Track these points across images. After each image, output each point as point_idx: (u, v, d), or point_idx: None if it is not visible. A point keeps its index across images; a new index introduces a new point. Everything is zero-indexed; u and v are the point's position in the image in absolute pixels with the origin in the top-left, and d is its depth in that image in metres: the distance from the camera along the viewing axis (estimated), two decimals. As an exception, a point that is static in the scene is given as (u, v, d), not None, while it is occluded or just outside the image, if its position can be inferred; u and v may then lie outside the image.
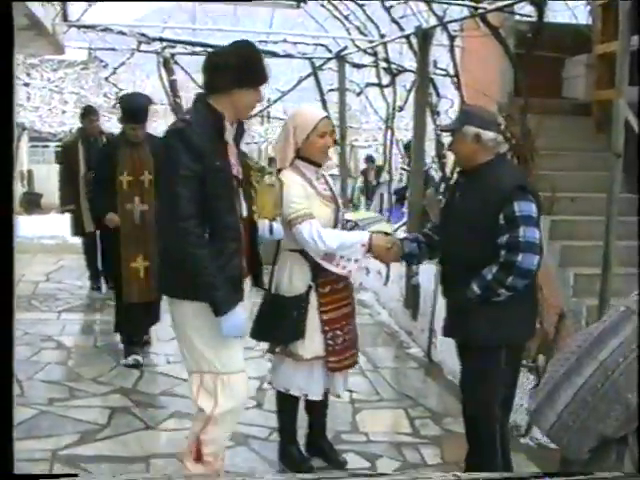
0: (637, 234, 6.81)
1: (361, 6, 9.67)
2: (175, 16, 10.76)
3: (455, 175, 4.75)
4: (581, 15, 10.23)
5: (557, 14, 9.97)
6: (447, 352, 6.60)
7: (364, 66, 11.54)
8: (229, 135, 3.66)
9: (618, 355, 1.59)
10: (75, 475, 2.37)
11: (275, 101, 14.48)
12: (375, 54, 10.46)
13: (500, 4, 6.68)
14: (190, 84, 13.99)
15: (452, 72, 9.14)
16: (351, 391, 5.69)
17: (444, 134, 8.62)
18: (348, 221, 4.47)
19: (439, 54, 9.84)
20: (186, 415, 5.16)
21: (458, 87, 8.65)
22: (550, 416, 1.69)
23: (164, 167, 3.63)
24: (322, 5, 9.82)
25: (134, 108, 6.29)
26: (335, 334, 4.31)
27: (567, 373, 1.68)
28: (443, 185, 9.50)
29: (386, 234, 4.32)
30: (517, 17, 8.13)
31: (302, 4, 8.66)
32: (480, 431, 4.08)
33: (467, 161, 4.04)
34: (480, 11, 6.87)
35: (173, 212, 3.43)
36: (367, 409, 5.65)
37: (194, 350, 3.65)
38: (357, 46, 10.71)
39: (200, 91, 3.80)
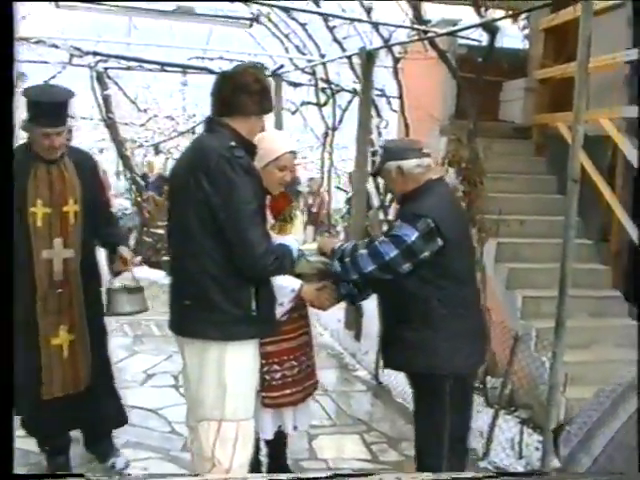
0: (583, 257, 6.98)
1: (303, 25, 9.66)
2: (109, 30, 10.58)
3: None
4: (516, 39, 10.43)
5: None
6: (394, 374, 6.60)
7: (301, 85, 11.53)
8: None
9: None
10: (77, 475, 2.26)
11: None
12: (314, 73, 10.48)
13: (451, 29, 6.73)
14: (122, 99, 13.83)
15: (389, 93, 9.22)
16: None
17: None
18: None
19: (377, 75, 9.90)
20: (137, 444, 5.02)
21: (401, 109, 8.70)
22: (584, 461, 1.66)
23: (227, 198, 3.29)
24: (263, 23, 9.77)
25: (49, 103, 4.15)
26: (272, 369, 4.09)
27: (602, 417, 1.64)
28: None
29: (324, 264, 4.11)
30: (460, 41, 8.24)
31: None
32: (425, 461, 4.00)
33: (400, 192, 4.07)
34: (430, 34, 6.90)
35: (245, 248, 3.28)
36: (323, 435, 5.57)
37: (223, 396, 3.41)
38: (295, 65, 10.71)
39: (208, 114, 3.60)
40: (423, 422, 4.00)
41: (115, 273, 4.57)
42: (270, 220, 3.99)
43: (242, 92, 3.42)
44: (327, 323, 8.87)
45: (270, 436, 4.23)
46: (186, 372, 3.58)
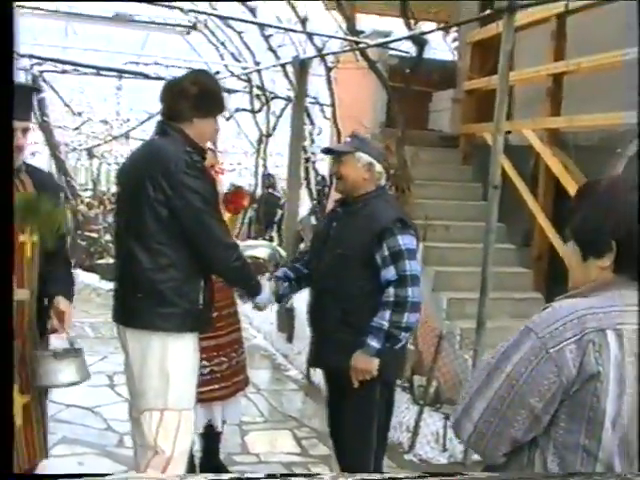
0: (507, 261, 7.28)
1: (239, 33, 9.83)
2: (46, 34, 10.58)
3: (330, 203, 4.67)
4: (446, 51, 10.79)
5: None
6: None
7: (237, 91, 11.68)
8: None
9: (520, 366, 1.78)
10: (77, 475, 2.34)
11: (142, 122, 14.44)
12: (249, 80, 10.65)
13: (382, 40, 6.98)
14: (56, 102, 13.79)
15: (322, 101, 9.44)
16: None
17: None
18: None
19: (310, 83, 10.12)
20: (74, 441, 5.12)
21: (333, 116, 8.92)
22: (468, 427, 1.87)
23: (190, 200, 3.39)
24: (200, 31, 9.91)
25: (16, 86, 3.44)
26: (201, 364, 3.97)
27: (480, 387, 1.86)
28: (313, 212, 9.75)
29: (256, 258, 4.25)
30: (390, 52, 8.51)
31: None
32: (355, 462, 3.98)
33: (353, 188, 3.93)
34: (361, 45, 7.14)
35: (212, 245, 3.47)
36: (255, 431, 5.74)
37: (166, 385, 3.47)
38: (230, 71, 10.86)
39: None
40: (355, 421, 3.93)
41: (49, 331, 3.52)
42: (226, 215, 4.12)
43: (181, 97, 3.53)
44: (260, 326, 9.04)
45: (200, 429, 4.35)
46: (129, 364, 3.63)
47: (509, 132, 7.78)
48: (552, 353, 1.73)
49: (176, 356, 3.49)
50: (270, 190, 13.31)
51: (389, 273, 3.71)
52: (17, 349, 3.32)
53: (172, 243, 3.43)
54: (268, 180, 15.23)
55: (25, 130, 3.37)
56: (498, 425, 1.81)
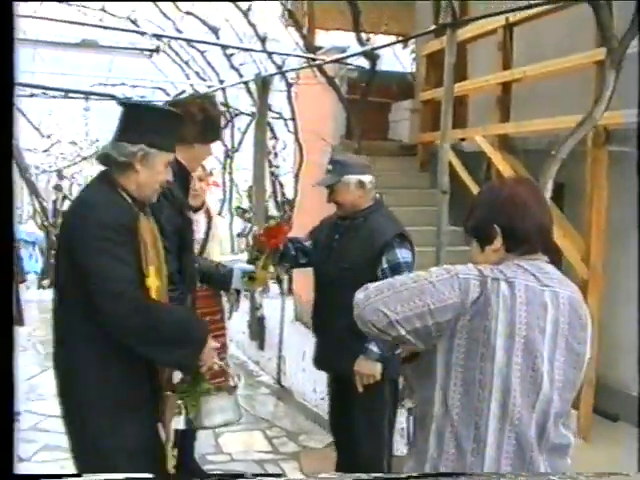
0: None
1: (202, 53, 10.13)
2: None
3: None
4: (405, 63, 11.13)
5: (382, 61, 10.77)
6: (295, 377, 7.15)
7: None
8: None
9: (430, 274, 2.10)
10: (77, 475, 2.53)
11: (111, 143, 14.64)
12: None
13: (337, 56, 7.31)
14: (24, 125, 13.99)
15: (286, 116, 9.76)
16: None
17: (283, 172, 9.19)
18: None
19: (274, 99, 10.43)
20: (56, 447, 5.37)
21: (295, 130, 9.24)
22: (360, 295, 2.18)
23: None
24: (164, 52, 10.20)
25: None
26: None
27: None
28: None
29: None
30: (348, 66, 8.84)
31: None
32: (371, 461, 4.18)
33: (352, 208, 4.14)
34: (318, 62, 7.47)
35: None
36: (228, 432, 5.99)
37: None
38: (196, 90, 11.14)
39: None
40: (368, 422, 4.15)
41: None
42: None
43: (188, 122, 3.47)
44: (232, 335, 9.28)
45: (182, 425, 4.60)
46: None
47: (463, 139, 8.14)
48: (460, 277, 2.07)
49: None
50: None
51: None
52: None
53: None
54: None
55: None
56: (387, 295, 2.09)
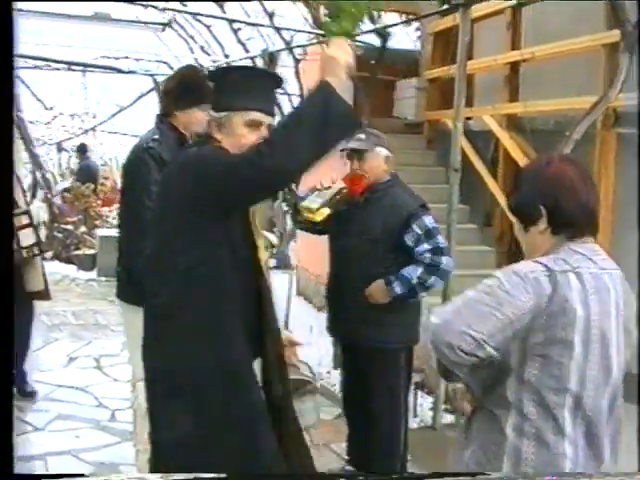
0: (470, 240, 7.68)
1: (208, 27, 10.11)
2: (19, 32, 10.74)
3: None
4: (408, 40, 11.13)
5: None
6: (300, 350, 7.17)
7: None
8: None
9: (499, 281, 2.03)
10: (77, 475, 2.51)
11: (113, 115, 14.64)
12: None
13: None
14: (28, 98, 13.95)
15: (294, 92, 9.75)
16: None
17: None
18: None
19: (281, 74, 10.40)
20: (69, 417, 5.45)
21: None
22: (435, 320, 2.07)
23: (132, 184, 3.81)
24: (170, 26, 10.17)
25: None
26: None
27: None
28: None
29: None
30: (357, 43, 8.84)
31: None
32: (388, 427, 4.31)
33: (375, 179, 4.26)
34: (325, 39, 7.46)
35: None
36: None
37: None
38: (200, 64, 11.11)
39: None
40: (386, 388, 4.26)
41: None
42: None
43: (165, 93, 3.97)
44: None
45: None
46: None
47: (470, 118, 8.17)
48: (530, 277, 2.02)
49: None
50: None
51: (423, 247, 4.08)
52: None
53: None
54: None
55: None
56: (467, 316, 2.00)
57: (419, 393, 6.01)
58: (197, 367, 2.55)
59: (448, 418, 5.72)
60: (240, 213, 2.70)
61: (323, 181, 4.43)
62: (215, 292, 2.58)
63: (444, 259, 4.10)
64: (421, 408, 5.87)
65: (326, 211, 4.34)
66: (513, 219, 2.29)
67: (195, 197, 2.50)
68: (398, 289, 4.07)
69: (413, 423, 5.73)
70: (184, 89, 3.87)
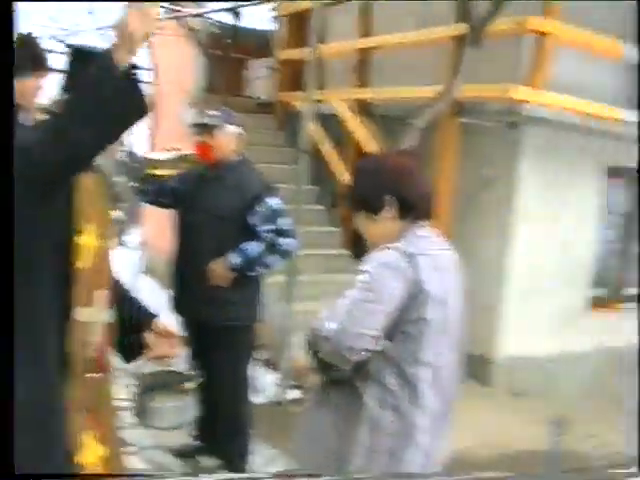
0: (318, 221, 7.81)
1: None
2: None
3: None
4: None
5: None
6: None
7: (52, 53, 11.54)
8: None
9: (370, 276, 2.19)
10: (77, 475, 2.33)
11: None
12: (64, 42, 10.59)
13: (200, 10, 7.27)
14: None
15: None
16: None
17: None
18: None
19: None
20: None
21: (154, 81, 9.10)
22: (332, 325, 2.17)
23: None
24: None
25: None
26: None
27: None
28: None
29: None
30: (209, 20, 8.79)
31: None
32: (235, 401, 4.39)
33: (222, 157, 4.24)
34: (180, 14, 7.42)
35: None
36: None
37: None
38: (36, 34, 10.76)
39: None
40: (234, 364, 4.34)
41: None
42: None
43: None
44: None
45: None
46: None
47: (320, 101, 8.31)
48: (396, 266, 2.16)
49: None
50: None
51: (266, 227, 4.15)
52: None
53: None
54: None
55: None
56: (359, 317, 2.12)
57: (265, 369, 6.12)
58: None
59: (293, 394, 5.85)
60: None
61: (171, 146, 4.50)
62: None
63: (287, 240, 4.22)
64: (266, 384, 5.97)
65: (170, 169, 4.38)
66: (354, 210, 2.41)
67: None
68: (236, 260, 4.12)
69: (259, 399, 5.83)
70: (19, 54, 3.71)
